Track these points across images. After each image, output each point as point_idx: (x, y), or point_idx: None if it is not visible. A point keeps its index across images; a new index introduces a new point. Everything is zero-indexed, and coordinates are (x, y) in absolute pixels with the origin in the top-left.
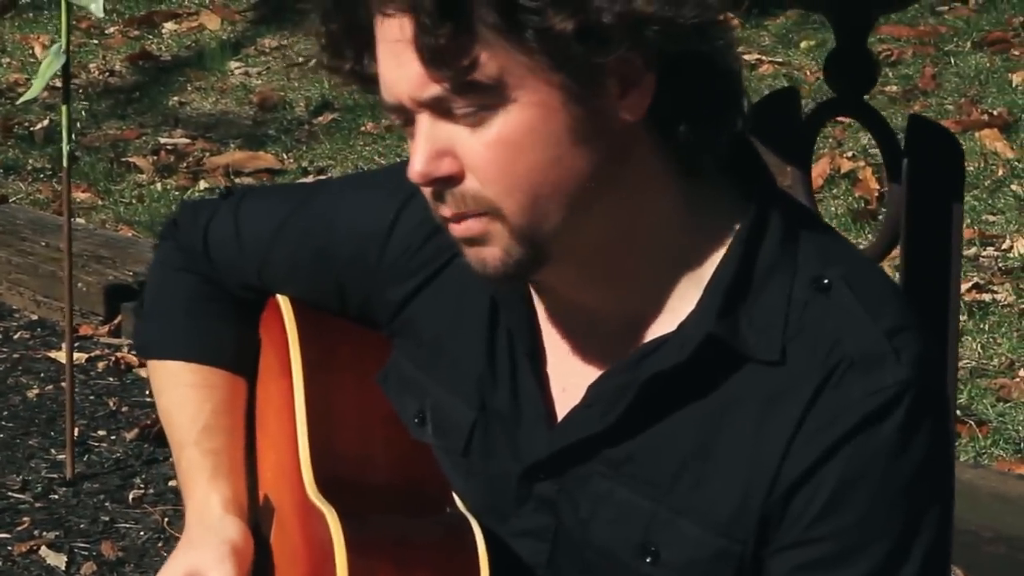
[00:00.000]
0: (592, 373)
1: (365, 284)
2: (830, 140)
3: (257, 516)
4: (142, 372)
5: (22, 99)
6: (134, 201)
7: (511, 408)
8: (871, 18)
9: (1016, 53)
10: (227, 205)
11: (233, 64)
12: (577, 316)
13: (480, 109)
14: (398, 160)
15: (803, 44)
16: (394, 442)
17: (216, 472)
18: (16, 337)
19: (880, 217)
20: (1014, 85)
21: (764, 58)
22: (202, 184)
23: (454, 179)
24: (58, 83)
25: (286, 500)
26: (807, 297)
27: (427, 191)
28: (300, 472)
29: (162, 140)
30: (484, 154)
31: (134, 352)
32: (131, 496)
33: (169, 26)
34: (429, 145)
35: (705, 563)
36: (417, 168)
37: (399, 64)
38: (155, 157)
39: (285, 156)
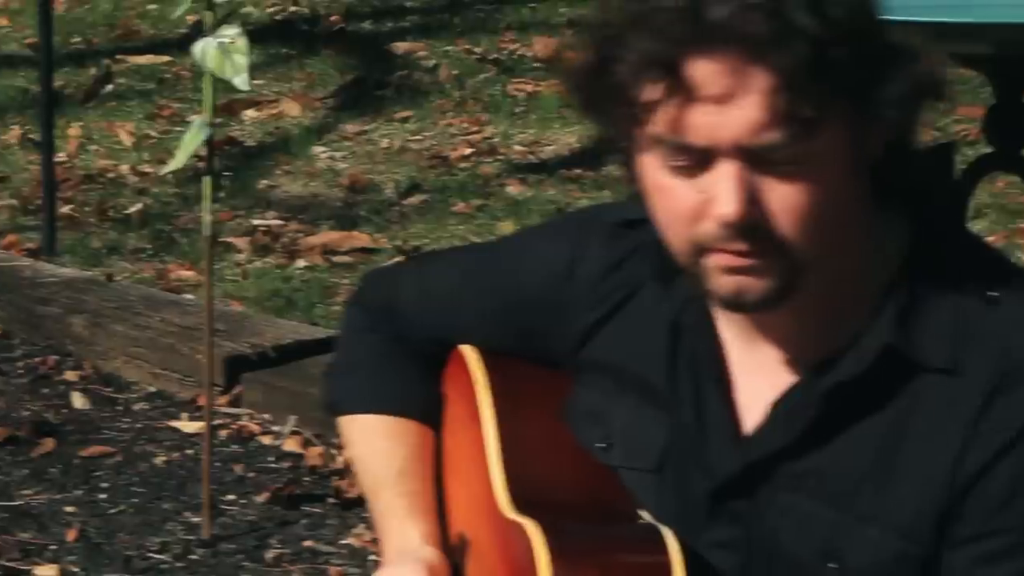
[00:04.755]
0: (773, 391)
1: (550, 323)
2: None
3: (453, 555)
4: (264, 440)
5: (167, 169)
6: (239, 279)
7: (697, 428)
8: None
9: None
10: (411, 268)
11: (318, 149)
12: (770, 340)
13: (802, 159)
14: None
15: None
16: (582, 469)
17: (412, 511)
18: (137, 408)
19: None
20: None
21: None
22: (300, 262)
23: (759, 222)
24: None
25: (482, 528)
26: (977, 310)
27: (709, 226)
28: (495, 498)
29: (255, 222)
30: (797, 203)
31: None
32: (269, 556)
33: (250, 113)
34: (743, 187)
35: (888, 565)
36: (734, 210)
37: (731, 108)
38: (251, 237)
39: (378, 236)
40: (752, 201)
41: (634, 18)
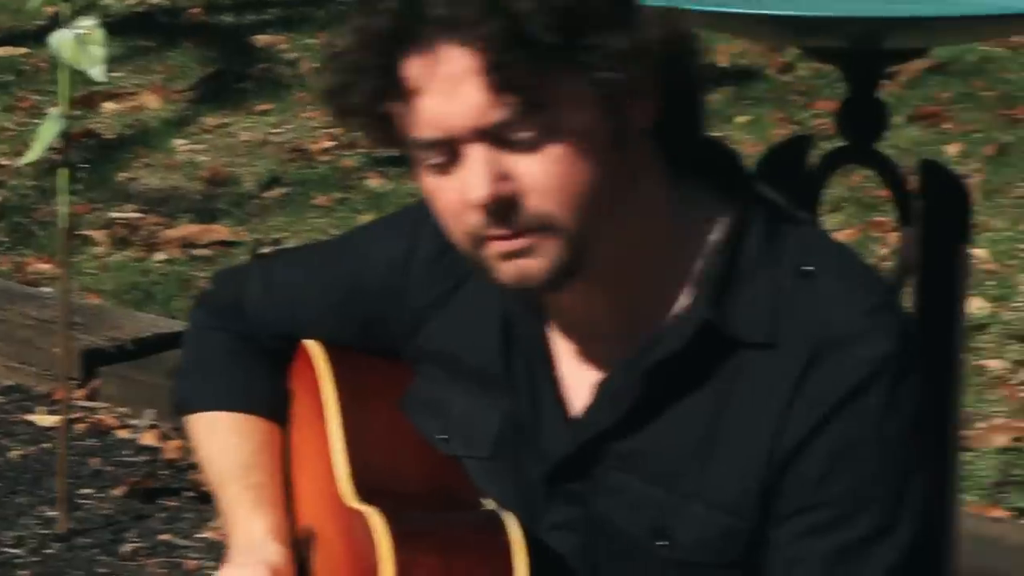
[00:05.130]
0: (598, 374)
1: (388, 312)
2: None
3: (299, 548)
4: (121, 433)
5: (22, 161)
6: (97, 272)
7: (531, 413)
8: (882, 68)
9: (948, 126)
10: (258, 267)
11: (178, 141)
12: (581, 321)
13: (539, 131)
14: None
15: (738, 119)
16: (427, 459)
17: (258, 504)
18: None
19: None
20: (948, 156)
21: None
22: (159, 255)
23: (514, 200)
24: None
25: (328, 519)
26: (792, 285)
27: (473, 216)
28: (339, 489)
29: (114, 214)
30: (544, 173)
31: (175, 409)
32: (125, 550)
33: (109, 106)
34: (489, 168)
35: (716, 541)
36: (482, 191)
37: (455, 96)
38: (109, 230)
39: (238, 229)
40: (503, 180)
41: (353, 35)
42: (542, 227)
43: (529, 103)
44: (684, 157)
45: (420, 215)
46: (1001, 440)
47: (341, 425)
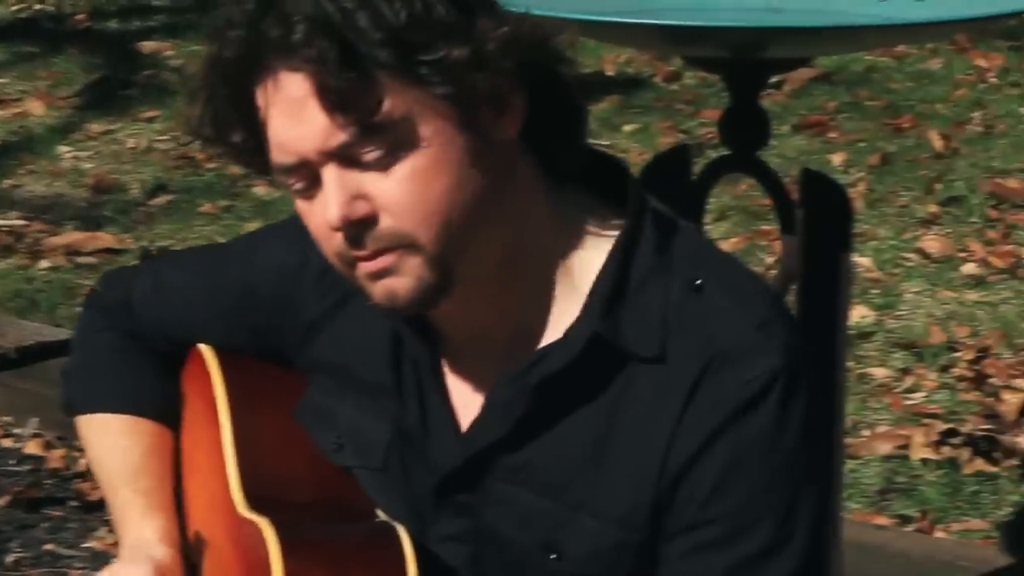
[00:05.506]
0: (488, 387)
1: (280, 320)
2: None
3: (189, 553)
4: (5, 442)
5: None
6: None
7: (420, 425)
8: (765, 78)
9: (833, 136)
10: (147, 267)
11: (63, 148)
12: (467, 334)
13: (387, 150)
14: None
15: (626, 128)
16: (318, 468)
17: (148, 508)
18: None
19: None
20: (834, 165)
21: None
22: (43, 263)
23: (369, 220)
24: None
25: (218, 526)
26: (682, 298)
27: (337, 238)
28: (230, 497)
29: None
30: (397, 191)
31: (64, 411)
32: (9, 560)
33: None
34: (342, 191)
35: (606, 555)
36: (336, 213)
37: (301, 120)
38: None
39: (123, 236)
40: (357, 201)
41: (206, 66)
42: (401, 245)
43: (369, 124)
44: (564, 167)
45: None
46: (885, 448)
47: (232, 431)
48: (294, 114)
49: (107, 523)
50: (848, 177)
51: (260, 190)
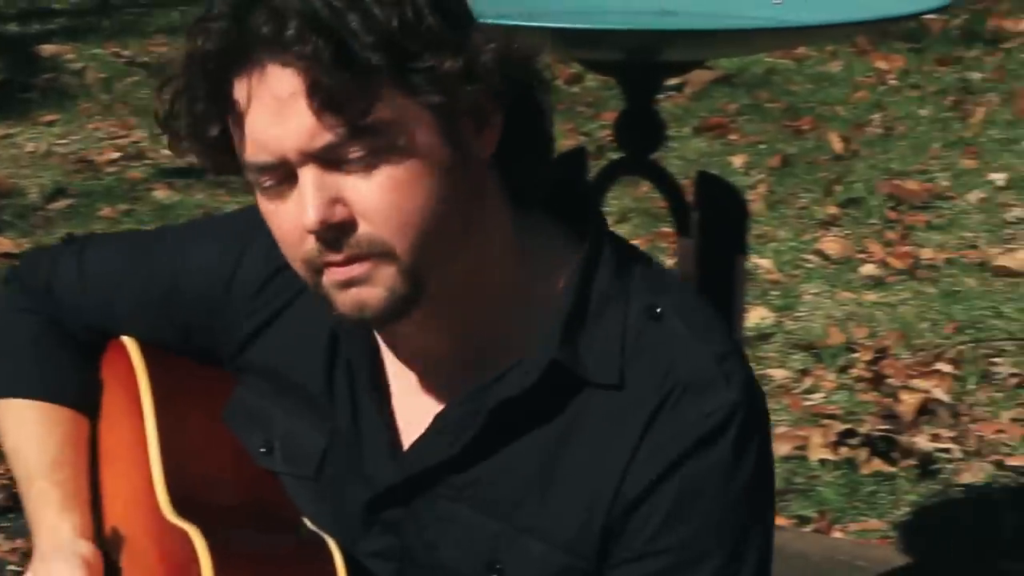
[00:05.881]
0: (435, 406)
1: (210, 322)
2: None
3: (105, 547)
4: None
5: None
6: None
7: (354, 437)
8: (659, 81)
9: (734, 138)
10: (70, 250)
11: None
12: (420, 351)
13: (370, 155)
14: None
15: None
16: (244, 471)
17: (65, 502)
18: None
19: None
20: (735, 167)
21: None
22: None
23: (346, 226)
24: None
25: (139, 527)
26: (641, 325)
27: (308, 242)
28: (154, 498)
29: None
30: (377, 197)
31: None
32: None
33: None
34: (321, 193)
35: None
36: (312, 217)
37: (284, 118)
38: None
39: (22, 240)
40: (335, 204)
41: (184, 59)
42: (376, 253)
43: (357, 126)
44: (530, 190)
45: (250, 227)
46: (784, 449)
47: (157, 428)
48: (279, 111)
49: (3, 529)
50: (748, 179)
51: (160, 194)
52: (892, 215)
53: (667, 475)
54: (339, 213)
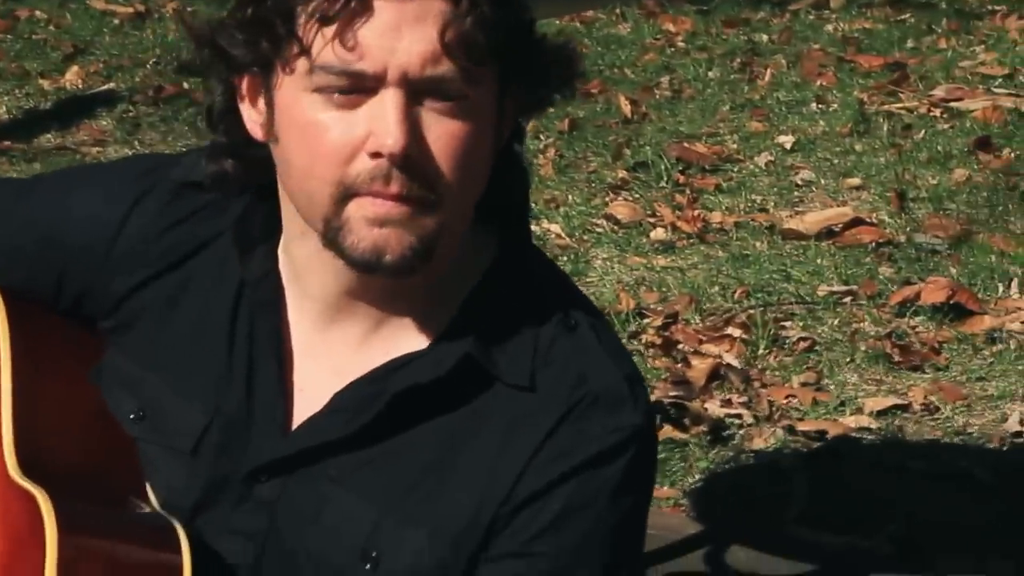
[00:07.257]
0: (335, 382)
1: (89, 274)
2: None
3: None
4: None
5: None
6: None
7: (244, 410)
8: None
9: None
10: None
11: None
12: (337, 325)
13: (459, 105)
14: None
15: None
16: (101, 436)
17: None
18: None
19: None
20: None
21: None
22: None
23: (417, 159)
24: None
25: None
26: (555, 332)
27: (363, 163)
28: (1, 455)
29: None
30: (452, 144)
31: None
32: None
33: None
34: (409, 120)
35: (428, 572)
36: (400, 139)
37: (404, 35)
38: None
39: None
40: (413, 135)
41: None
42: (424, 200)
43: (471, 71)
44: (500, 191)
45: (148, 176)
46: None
47: (12, 383)
48: (400, 26)
49: None
50: (537, 143)
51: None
52: (681, 179)
53: (563, 481)
54: (415, 146)
